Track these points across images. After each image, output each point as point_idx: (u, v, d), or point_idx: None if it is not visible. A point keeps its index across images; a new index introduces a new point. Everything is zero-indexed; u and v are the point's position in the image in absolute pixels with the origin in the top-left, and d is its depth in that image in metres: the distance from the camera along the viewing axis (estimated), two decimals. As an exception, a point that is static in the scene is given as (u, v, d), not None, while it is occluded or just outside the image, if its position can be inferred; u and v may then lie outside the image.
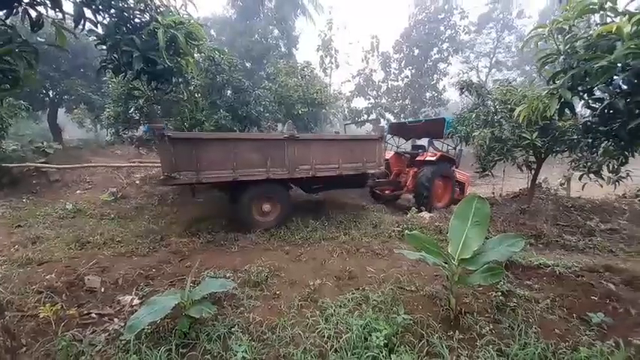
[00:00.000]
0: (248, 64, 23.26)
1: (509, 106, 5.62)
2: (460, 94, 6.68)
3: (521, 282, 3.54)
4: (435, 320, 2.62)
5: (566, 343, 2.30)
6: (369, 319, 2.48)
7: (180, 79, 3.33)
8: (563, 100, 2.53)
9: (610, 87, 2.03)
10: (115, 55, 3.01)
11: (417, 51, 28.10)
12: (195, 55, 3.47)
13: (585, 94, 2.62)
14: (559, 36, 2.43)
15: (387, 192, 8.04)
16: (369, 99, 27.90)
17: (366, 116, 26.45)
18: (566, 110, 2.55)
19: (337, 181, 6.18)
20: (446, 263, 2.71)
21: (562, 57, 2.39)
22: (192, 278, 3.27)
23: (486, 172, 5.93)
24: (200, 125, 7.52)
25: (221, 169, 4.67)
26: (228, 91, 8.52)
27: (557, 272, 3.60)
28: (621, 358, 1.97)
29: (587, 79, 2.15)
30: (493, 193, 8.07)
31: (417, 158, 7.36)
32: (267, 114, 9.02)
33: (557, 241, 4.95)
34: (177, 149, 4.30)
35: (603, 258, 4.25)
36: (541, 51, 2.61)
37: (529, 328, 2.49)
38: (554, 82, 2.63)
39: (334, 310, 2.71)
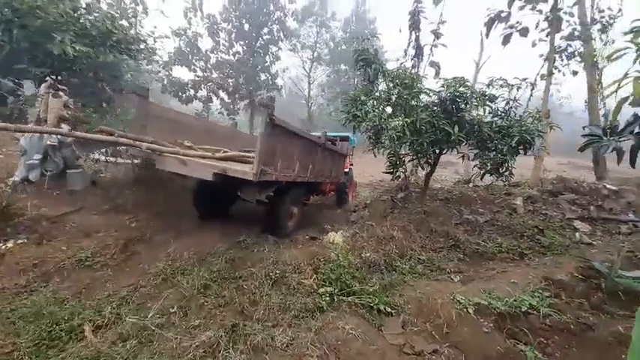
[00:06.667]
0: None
1: (412, 94, 4.57)
2: (357, 69, 5.05)
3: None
4: None
5: None
6: None
7: None
8: None
9: None
10: None
11: (247, 25, 25.71)
12: None
13: None
14: None
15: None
16: (196, 70, 22.56)
17: (192, 91, 21.22)
18: None
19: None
20: None
21: None
22: None
23: (398, 175, 4.70)
24: None
25: (291, 168, 4.08)
26: None
27: (547, 322, 2.69)
28: None
29: None
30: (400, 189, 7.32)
31: None
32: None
33: (476, 249, 4.45)
34: (274, 138, 3.43)
35: (530, 267, 3.94)
36: None
37: None
38: None
39: None
